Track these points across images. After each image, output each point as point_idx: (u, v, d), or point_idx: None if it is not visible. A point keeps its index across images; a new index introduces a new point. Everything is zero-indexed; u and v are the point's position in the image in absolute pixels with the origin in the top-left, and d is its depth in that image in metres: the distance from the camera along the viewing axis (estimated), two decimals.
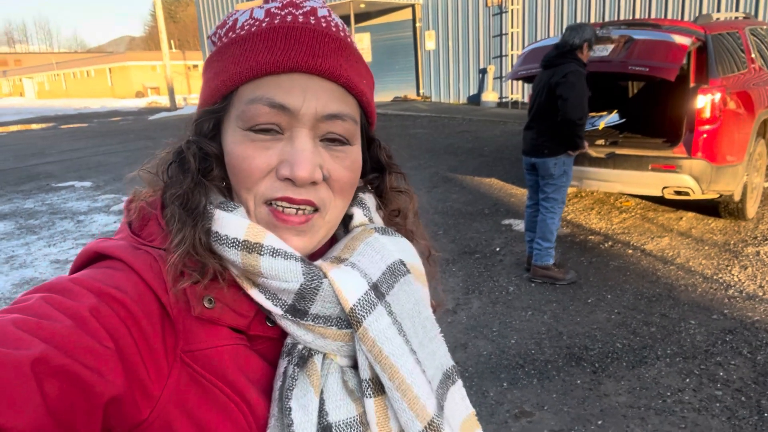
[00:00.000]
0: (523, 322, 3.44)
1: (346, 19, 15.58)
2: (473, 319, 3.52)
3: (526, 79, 4.90)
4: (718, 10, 10.64)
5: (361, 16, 16.39)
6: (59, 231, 5.89)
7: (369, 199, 0.68)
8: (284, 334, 0.58)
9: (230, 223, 0.55)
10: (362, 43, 16.90)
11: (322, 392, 0.55)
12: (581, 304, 3.64)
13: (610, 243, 4.67)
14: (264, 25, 0.57)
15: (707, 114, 4.22)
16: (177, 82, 34.20)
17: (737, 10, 10.44)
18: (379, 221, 0.67)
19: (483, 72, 14.69)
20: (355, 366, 0.57)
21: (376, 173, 0.69)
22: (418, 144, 9.62)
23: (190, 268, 0.53)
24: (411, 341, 0.57)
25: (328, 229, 0.60)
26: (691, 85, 4.35)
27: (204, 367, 0.53)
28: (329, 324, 0.56)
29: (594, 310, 3.55)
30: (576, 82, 3.64)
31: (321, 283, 0.55)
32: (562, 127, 3.72)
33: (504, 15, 13.81)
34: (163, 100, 34.60)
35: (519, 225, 5.19)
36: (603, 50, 4.45)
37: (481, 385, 2.84)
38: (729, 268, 4.05)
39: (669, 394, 2.69)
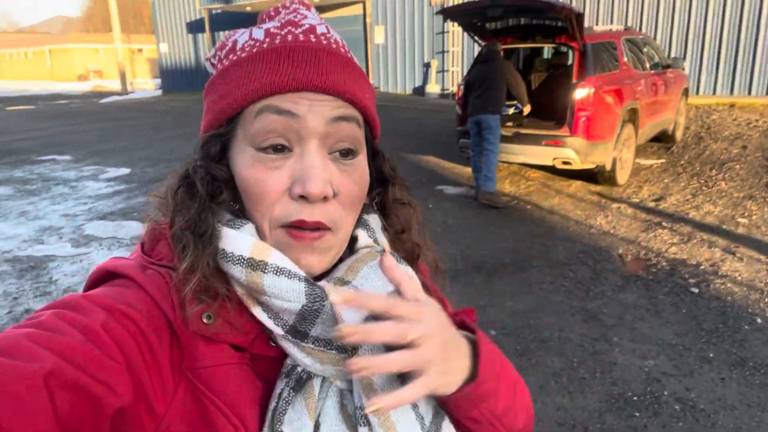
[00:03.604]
0: (444, 248, 4.77)
1: None
2: None
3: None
4: (611, 23, 12.44)
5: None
6: (58, 193, 6.81)
7: (373, 220, 0.67)
8: (285, 354, 0.58)
9: (236, 241, 0.56)
10: None
11: (318, 416, 0.55)
12: (487, 237, 5.02)
13: (515, 201, 6.09)
14: (265, 45, 0.58)
15: (584, 103, 5.68)
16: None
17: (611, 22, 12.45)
18: (384, 242, 0.67)
19: (427, 66, 16.07)
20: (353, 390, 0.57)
21: (379, 187, 0.69)
22: None
23: (198, 292, 0.54)
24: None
25: (339, 247, 0.60)
26: (574, 81, 5.80)
27: (206, 386, 0.54)
28: (329, 348, 0.56)
29: (495, 242, 4.92)
30: (513, 70, 5.92)
31: (323, 305, 0.55)
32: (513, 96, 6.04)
33: None
34: (109, 84, 34.31)
35: (449, 190, 6.56)
36: None
37: None
38: (595, 216, 5.53)
39: (535, 284, 4.07)
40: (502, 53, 6.02)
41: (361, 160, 0.61)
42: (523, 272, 4.30)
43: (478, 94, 5.83)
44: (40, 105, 20.39)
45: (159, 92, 23.32)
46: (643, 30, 12.15)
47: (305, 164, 0.56)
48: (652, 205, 5.83)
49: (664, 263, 4.38)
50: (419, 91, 16.30)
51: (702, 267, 4.25)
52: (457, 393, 0.55)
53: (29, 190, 7.02)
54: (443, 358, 0.52)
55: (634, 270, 4.27)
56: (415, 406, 0.57)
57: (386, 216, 0.70)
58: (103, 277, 0.58)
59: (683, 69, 8.63)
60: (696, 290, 3.87)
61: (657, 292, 3.88)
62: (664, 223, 5.26)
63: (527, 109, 6.13)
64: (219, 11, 19.44)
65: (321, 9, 17.48)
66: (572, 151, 5.79)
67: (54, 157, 9.15)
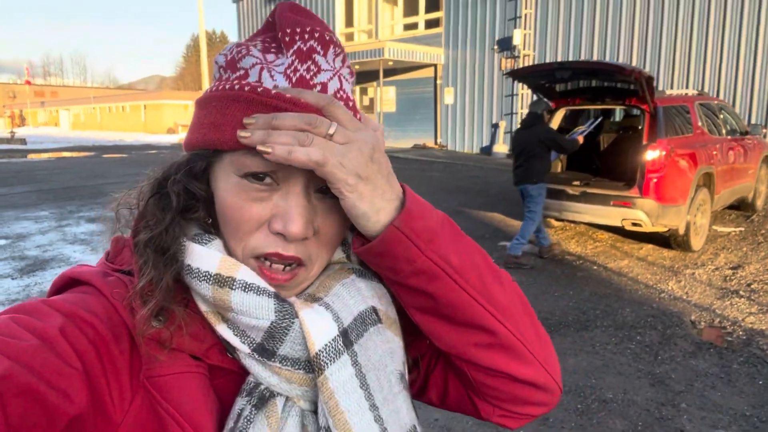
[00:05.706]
0: None
1: (375, 74, 17.39)
2: None
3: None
4: (683, 87, 12.23)
5: (388, 72, 18.21)
6: None
7: (349, 235, 0.64)
8: (243, 368, 0.57)
9: (203, 256, 0.55)
10: (388, 95, 18.73)
11: None
12: (550, 296, 4.95)
13: (581, 261, 5.99)
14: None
15: (655, 164, 5.61)
16: None
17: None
18: (356, 259, 0.64)
19: (495, 126, 16.28)
20: (316, 411, 0.56)
21: None
22: (434, 184, 11.07)
23: (154, 314, 0.53)
24: (374, 395, 0.56)
25: (311, 280, 0.60)
26: (644, 142, 5.75)
27: (163, 395, 0.53)
28: (297, 367, 0.55)
29: (558, 299, 4.85)
30: (556, 134, 5.63)
31: (292, 322, 0.54)
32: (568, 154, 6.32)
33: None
34: None
35: None
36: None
37: None
38: (667, 281, 5.34)
39: (599, 345, 3.97)
40: (543, 114, 5.89)
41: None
42: (587, 331, 4.20)
43: (519, 163, 5.79)
44: (132, 154, 22.08)
45: None
46: (722, 96, 11.88)
47: (290, 203, 0.54)
48: (728, 273, 5.57)
49: (740, 332, 4.16)
50: (486, 150, 16.47)
51: None
52: (390, 230, 0.52)
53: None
54: (370, 173, 0.52)
55: (711, 339, 4.07)
56: (384, 429, 0.57)
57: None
58: (67, 283, 0.58)
59: (763, 136, 8.34)
60: None
61: (731, 361, 3.68)
62: (741, 292, 5.00)
63: (580, 140, 5.91)
64: None
65: (394, 71, 18.27)
66: (642, 213, 5.68)
67: None
